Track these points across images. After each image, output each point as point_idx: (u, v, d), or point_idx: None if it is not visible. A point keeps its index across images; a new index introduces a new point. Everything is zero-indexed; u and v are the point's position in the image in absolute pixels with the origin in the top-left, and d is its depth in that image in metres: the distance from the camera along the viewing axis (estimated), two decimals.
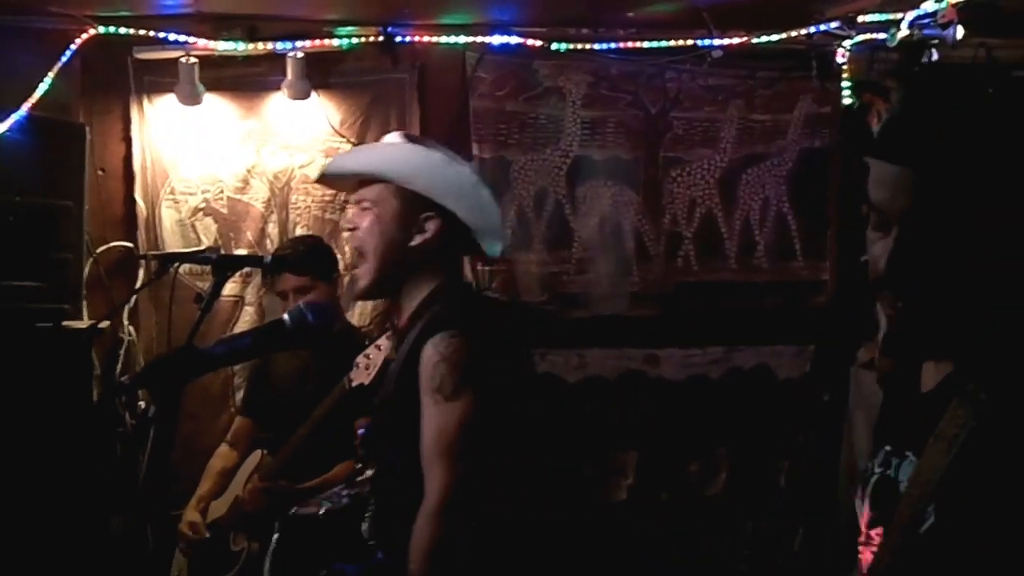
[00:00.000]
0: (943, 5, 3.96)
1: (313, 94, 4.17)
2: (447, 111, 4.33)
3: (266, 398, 3.64)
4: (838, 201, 4.49)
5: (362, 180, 2.18)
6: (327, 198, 4.29)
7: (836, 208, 4.51)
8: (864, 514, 1.30)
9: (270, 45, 4.05)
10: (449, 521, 1.94)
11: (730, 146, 4.44)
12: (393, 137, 2.29)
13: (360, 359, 2.87)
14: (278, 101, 4.20)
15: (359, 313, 4.18)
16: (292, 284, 3.41)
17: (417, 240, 2.12)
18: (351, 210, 2.21)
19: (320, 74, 4.20)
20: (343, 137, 4.28)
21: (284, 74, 4.07)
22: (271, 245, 4.25)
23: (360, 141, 4.28)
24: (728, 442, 4.40)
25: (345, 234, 2.31)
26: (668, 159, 4.42)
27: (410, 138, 2.27)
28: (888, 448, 1.29)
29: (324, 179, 2.40)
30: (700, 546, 4.34)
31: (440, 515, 1.93)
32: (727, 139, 4.44)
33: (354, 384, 2.89)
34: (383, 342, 2.71)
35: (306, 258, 3.47)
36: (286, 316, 1.93)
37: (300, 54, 4.07)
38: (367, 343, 2.84)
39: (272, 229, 4.28)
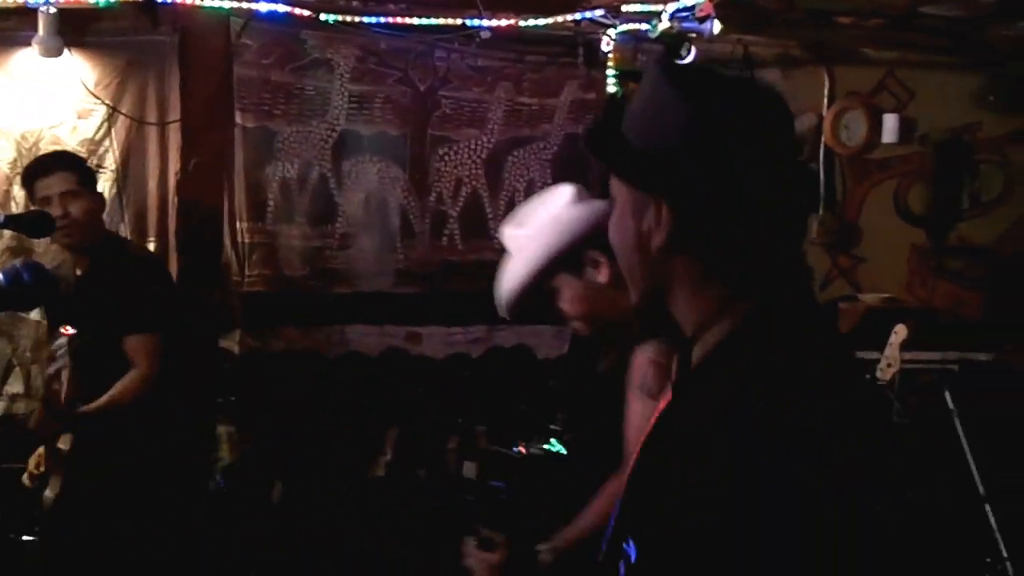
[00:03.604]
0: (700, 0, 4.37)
1: (66, 52, 4.23)
2: (209, 78, 4.49)
3: None
4: (600, 187, 4.86)
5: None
6: None
7: (598, 193, 4.87)
8: None
9: None
10: None
11: (497, 127, 4.79)
12: (512, 236, 2.63)
13: None
14: (28, 58, 4.25)
15: None
16: (57, 189, 3.46)
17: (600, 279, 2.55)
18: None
19: (75, 32, 4.26)
20: (97, 98, 4.37)
21: (35, 30, 4.11)
22: (16, 208, 4.31)
23: (115, 103, 4.39)
24: (487, 420, 4.72)
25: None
26: (436, 137, 4.73)
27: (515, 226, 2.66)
28: None
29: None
30: (456, 523, 4.64)
31: None
32: (494, 120, 4.78)
33: None
34: None
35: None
36: (0, 275, 2.04)
37: (53, 9, 4.10)
38: None
39: (18, 191, 4.32)
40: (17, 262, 2.15)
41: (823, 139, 5.06)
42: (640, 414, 2.42)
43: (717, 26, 4.47)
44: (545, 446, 2.72)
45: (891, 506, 1.21)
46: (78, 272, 3.59)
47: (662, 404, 2.12)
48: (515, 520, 2.54)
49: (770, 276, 1.34)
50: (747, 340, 1.30)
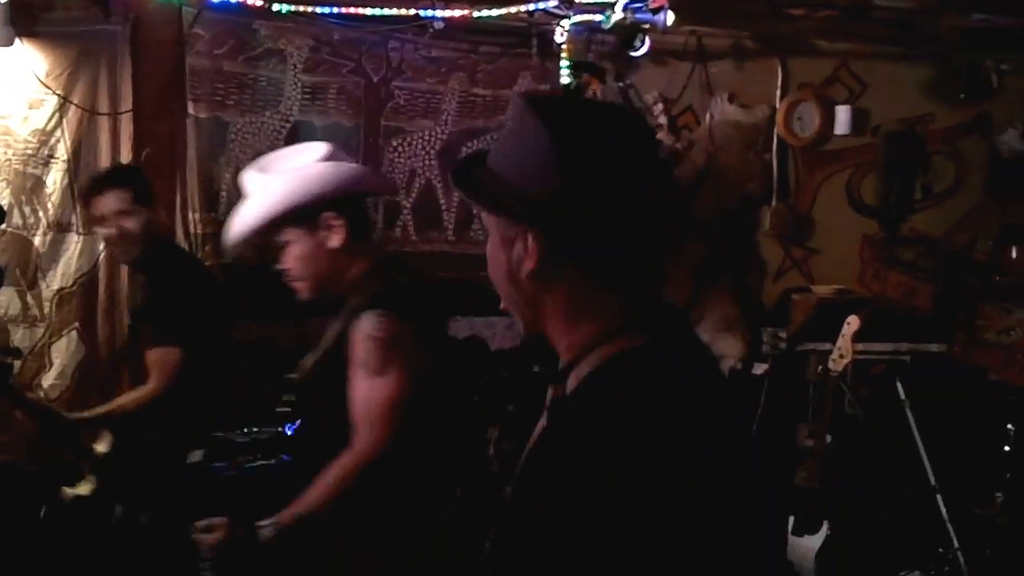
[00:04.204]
0: None
1: (17, 42, 4.26)
2: (162, 68, 4.53)
3: None
4: None
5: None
6: (29, 151, 4.41)
7: None
8: None
9: None
10: (360, 474, 2.40)
11: (451, 118, 4.85)
12: (253, 178, 2.60)
13: None
14: None
15: (61, 274, 4.36)
16: (110, 207, 3.53)
17: (332, 242, 2.53)
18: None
19: (25, 21, 4.29)
20: (48, 88, 4.39)
21: None
22: None
23: (67, 94, 4.41)
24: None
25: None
26: (389, 128, 4.79)
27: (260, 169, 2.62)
28: None
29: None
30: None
31: (357, 465, 2.40)
32: (448, 111, 4.84)
33: None
34: None
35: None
36: None
37: None
38: None
39: None
40: None
41: (776, 131, 5.13)
42: (364, 392, 2.44)
43: (671, 17, 4.54)
44: (274, 428, 2.70)
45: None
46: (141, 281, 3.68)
47: (394, 381, 2.33)
48: (236, 500, 2.52)
49: (643, 308, 1.39)
50: (616, 371, 1.34)
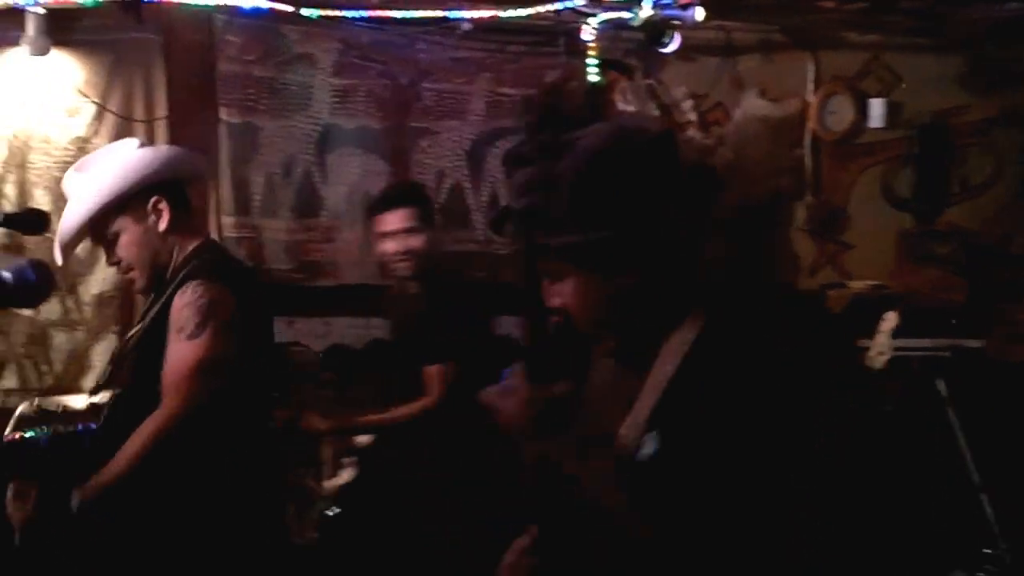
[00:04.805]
0: None
1: (54, 51, 4.38)
2: (194, 74, 4.64)
3: None
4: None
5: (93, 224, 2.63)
6: (68, 159, 4.51)
7: None
8: None
9: None
10: (168, 434, 2.43)
11: (479, 119, 4.90)
12: (74, 179, 2.68)
13: None
14: (17, 57, 4.40)
15: (100, 279, 4.48)
16: (398, 225, 3.63)
17: (161, 225, 2.62)
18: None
19: (62, 31, 4.40)
20: (86, 96, 4.52)
21: (21, 30, 4.26)
22: (8, 206, 4.47)
23: (104, 101, 4.54)
24: None
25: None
26: (417, 129, 4.86)
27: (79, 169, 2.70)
28: None
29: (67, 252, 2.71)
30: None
31: (164, 425, 2.43)
32: (476, 112, 4.90)
33: None
34: None
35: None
36: (6, 272, 2.16)
37: (41, 9, 4.26)
38: None
39: (9, 189, 4.51)
40: (23, 260, 2.15)
41: (808, 125, 5.09)
42: (175, 355, 2.48)
43: (700, 13, 4.54)
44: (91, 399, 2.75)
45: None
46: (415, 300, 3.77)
47: (206, 342, 2.42)
48: (48, 469, 2.52)
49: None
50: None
